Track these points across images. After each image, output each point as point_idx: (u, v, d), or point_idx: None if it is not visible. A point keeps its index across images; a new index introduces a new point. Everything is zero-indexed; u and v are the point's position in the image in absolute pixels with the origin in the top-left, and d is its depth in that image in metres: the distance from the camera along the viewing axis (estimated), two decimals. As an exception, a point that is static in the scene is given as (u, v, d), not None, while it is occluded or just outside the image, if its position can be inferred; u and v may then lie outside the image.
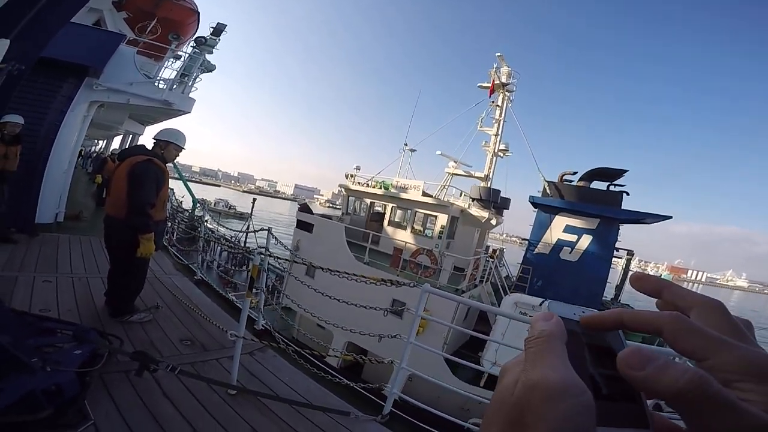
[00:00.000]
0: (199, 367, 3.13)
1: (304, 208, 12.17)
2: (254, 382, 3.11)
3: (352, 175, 14.33)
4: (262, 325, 4.36)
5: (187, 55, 9.08)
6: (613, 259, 11.87)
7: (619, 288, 13.52)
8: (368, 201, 13.87)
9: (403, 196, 12.42)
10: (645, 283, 0.37)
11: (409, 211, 12.53)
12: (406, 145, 15.53)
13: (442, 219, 11.79)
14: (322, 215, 12.80)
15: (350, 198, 14.32)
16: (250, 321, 4.17)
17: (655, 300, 0.37)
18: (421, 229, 12.38)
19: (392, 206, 12.92)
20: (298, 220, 11.55)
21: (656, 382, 0.26)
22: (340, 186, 14.70)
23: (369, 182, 14.12)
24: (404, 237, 11.73)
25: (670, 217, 11.63)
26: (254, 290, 3.39)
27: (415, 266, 9.28)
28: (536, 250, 11.95)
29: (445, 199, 12.66)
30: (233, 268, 13.05)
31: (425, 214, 12.22)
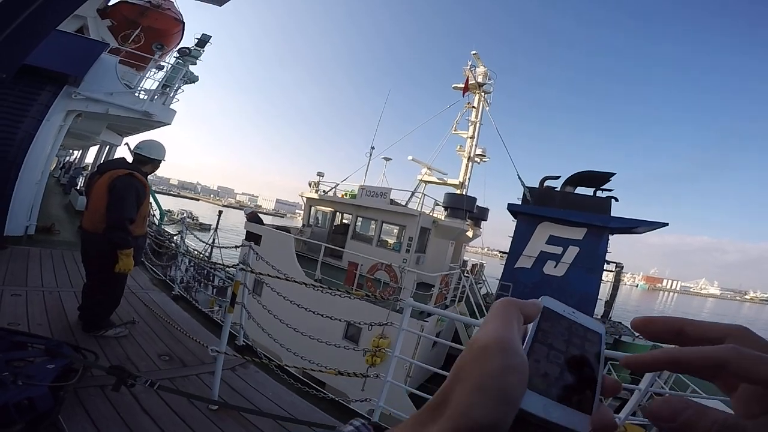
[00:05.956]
0: (179, 382, 3.02)
1: (253, 218, 10.95)
2: (236, 397, 3.02)
3: (316, 183, 12.99)
4: (243, 341, 4.26)
5: (169, 65, 9.00)
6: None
7: (609, 304, 12.14)
8: (329, 210, 12.43)
9: (367, 204, 11.01)
10: (655, 326, 0.33)
11: (374, 222, 11.13)
12: (373, 148, 14.05)
13: (411, 230, 10.35)
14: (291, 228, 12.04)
15: (311, 208, 12.91)
16: (230, 337, 4.06)
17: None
18: (390, 241, 11.04)
19: (356, 216, 11.55)
20: (246, 231, 10.28)
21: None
22: (300, 195, 13.34)
23: (334, 190, 12.77)
24: (369, 251, 10.23)
25: (666, 224, 10.65)
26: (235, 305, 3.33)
27: (372, 284, 8.24)
28: (517, 263, 10.80)
29: (416, 209, 11.05)
30: (198, 282, 11.35)
31: (392, 224, 10.87)
